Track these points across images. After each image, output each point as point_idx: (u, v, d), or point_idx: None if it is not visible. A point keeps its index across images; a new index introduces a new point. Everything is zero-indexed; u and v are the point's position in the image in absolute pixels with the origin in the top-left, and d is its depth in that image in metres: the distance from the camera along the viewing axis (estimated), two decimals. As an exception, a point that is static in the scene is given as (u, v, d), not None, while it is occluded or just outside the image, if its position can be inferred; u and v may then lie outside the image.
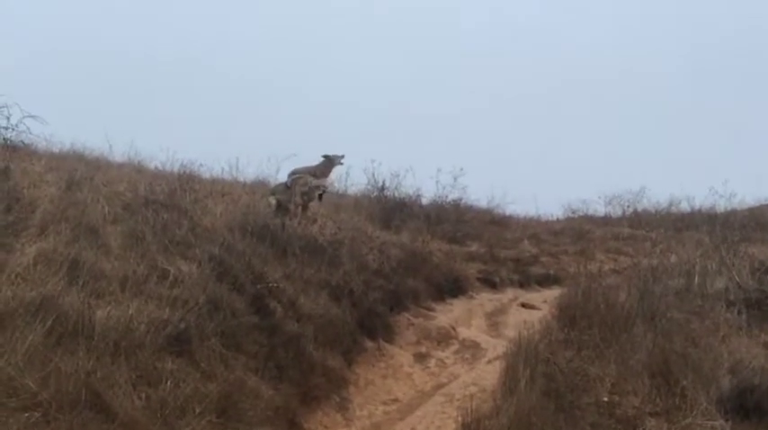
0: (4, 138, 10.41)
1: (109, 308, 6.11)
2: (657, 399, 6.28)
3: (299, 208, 11.87)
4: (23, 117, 10.30)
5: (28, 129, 10.48)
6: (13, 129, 10.44)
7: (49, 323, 5.43)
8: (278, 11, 61.29)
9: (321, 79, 54.45)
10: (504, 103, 53.79)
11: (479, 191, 21.78)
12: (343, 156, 12.65)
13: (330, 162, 12.80)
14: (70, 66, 47.53)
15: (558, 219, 25.05)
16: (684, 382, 6.30)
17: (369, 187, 18.63)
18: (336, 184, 18.26)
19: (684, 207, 23.38)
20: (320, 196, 12.19)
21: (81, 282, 6.31)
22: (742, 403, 6.07)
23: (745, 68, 54.35)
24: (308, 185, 11.89)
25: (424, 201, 19.71)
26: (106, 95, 42.68)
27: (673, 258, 11.31)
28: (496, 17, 61.67)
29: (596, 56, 58.92)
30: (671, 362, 6.67)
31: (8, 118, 10.37)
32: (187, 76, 53.01)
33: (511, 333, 9.89)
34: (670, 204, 24.25)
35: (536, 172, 37.40)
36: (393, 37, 61.49)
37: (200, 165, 13.48)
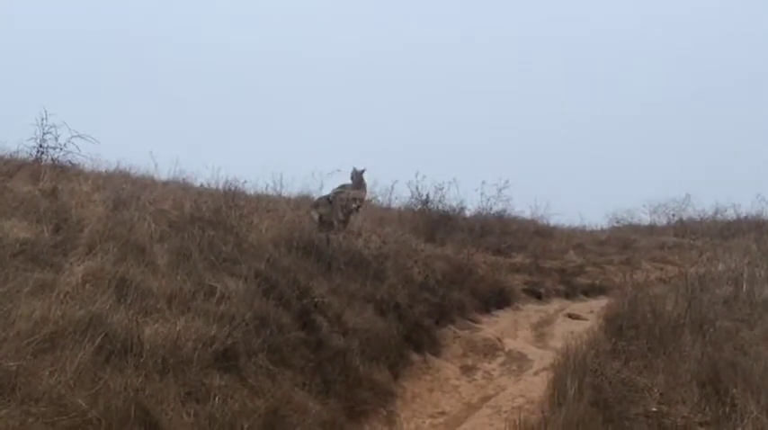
0: (52, 159, 10.54)
1: (157, 325, 6.17)
2: (707, 409, 6.21)
3: (342, 223, 11.88)
4: (72, 137, 10.41)
5: (77, 148, 10.58)
6: (61, 149, 10.57)
7: (98, 341, 5.49)
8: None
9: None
10: (546, 116, 53.21)
11: (523, 202, 21.48)
12: (363, 170, 12.75)
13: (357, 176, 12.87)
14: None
15: (602, 228, 24.75)
16: (734, 391, 6.22)
17: (412, 200, 18.59)
18: (380, 198, 18.37)
19: (730, 214, 22.93)
20: (357, 208, 12.14)
21: (129, 300, 6.37)
22: (793, 411, 5.98)
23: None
24: (347, 199, 11.88)
25: (468, 213, 19.58)
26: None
27: (720, 266, 11.17)
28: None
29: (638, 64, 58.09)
30: (720, 370, 6.60)
31: (56, 138, 10.51)
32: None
33: (558, 344, 9.81)
34: (716, 212, 23.75)
35: (581, 182, 36.94)
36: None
37: (245, 181, 13.49)
